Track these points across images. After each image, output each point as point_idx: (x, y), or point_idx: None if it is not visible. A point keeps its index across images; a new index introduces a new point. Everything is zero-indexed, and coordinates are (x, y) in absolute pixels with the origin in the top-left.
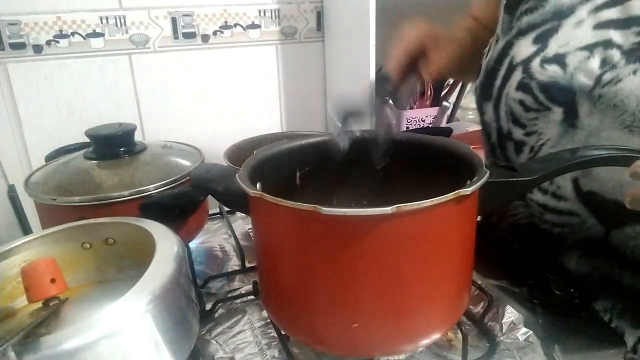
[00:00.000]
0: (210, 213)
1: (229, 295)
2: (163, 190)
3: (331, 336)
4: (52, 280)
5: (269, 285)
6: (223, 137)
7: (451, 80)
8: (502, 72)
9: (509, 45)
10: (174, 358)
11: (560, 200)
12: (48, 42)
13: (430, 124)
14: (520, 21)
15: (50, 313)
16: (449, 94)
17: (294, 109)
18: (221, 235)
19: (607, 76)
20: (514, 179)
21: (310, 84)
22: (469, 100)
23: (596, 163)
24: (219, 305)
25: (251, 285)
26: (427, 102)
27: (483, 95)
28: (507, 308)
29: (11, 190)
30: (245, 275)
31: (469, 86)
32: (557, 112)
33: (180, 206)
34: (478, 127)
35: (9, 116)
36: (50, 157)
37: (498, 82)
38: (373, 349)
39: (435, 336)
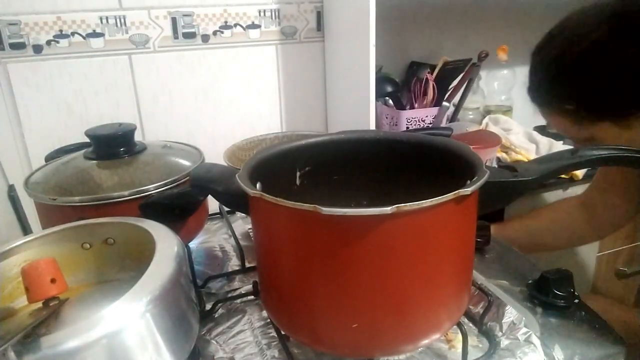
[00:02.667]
0: (210, 213)
1: (229, 295)
2: (163, 190)
3: (331, 336)
4: (52, 280)
5: (269, 285)
6: (223, 137)
7: (455, 82)
8: None
9: None
10: (174, 358)
11: None
12: (48, 42)
13: (430, 124)
14: None
15: (50, 313)
16: (452, 95)
17: (294, 109)
18: (221, 235)
19: None
20: (514, 179)
21: (310, 84)
22: (469, 101)
23: (596, 163)
24: (219, 305)
25: (251, 285)
26: (430, 103)
27: None
28: (507, 308)
29: (11, 190)
30: (245, 275)
31: (472, 87)
32: None
33: (180, 206)
34: (478, 127)
35: (9, 116)
36: (50, 157)
37: None
38: (373, 349)
39: (435, 336)
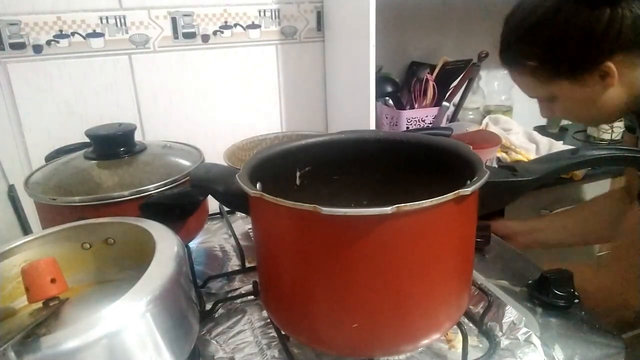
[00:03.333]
0: (210, 213)
1: (229, 295)
2: (163, 190)
3: (331, 336)
4: (52, 280)
5: (269, 285)
6: (223, 137)
7: (456, 82)
8: None
9: None
10: (174, 358)
11: None
12: (48, 42)
13: (430, 124)
14: None
15: (51, 313)
16: (452, 95)
17: (294, 109)
18: (221, 235)
19: None
20: (514, 179)
21: (310, 84)
22: (469, 101)
23: (596, 163)
24: (219, 305)
25: (251, 285)
26: (430, 103)
27: None
28: (507, 308)
29: (11, 190)
30: (245, 275)
31: (472, 87)
32: None
33: (180, 206)
34: (478, 127)
35: (9, 116)
36: (50, 157)
37: None
38: (373, 349)
39: (435, 336)
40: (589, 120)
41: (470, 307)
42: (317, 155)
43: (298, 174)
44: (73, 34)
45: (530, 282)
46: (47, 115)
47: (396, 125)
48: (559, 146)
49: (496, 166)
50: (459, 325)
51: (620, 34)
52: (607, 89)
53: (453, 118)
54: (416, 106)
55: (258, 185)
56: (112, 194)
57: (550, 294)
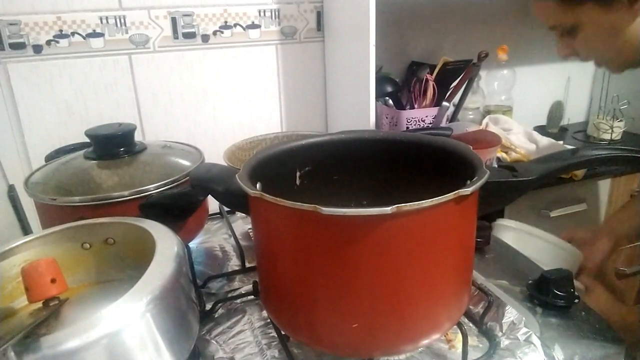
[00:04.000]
0: (210, 213)
1: (229, 295)
2: (163, 190)
3: (331, 336)
4: (53, 280)
5: (269, 285)
6: (223, 137)
7: (455, 82)
8: None
9: None
10: (174, 358)
11: None
12: (48, 42)
13: (430, 124)
14: None
15: (51, 313)
16: (452, 95)
17: (294, 109)
18: (221, 235)
19: None
20: (514, 179)
21: (310, 84)
22: (469, 101)
23: (596, 163)
24: (219, 305)
25: (251, 285)
26: (430, 103)
27: None
28: (507, 308)
29: (11, 190)
30: (245, 275)
31: (472, 87)
32: None
33: (180, 206)
34: (478, 127)
35: (9, 116)
36: (50, 157)
37: None
38: (373, 349)
39: (435, 336)
40: (612, 56)
41: (470, 307)
42: (317, 155)
43: (298, 174)
44: (73, 34)
45: (530, 282)
46: (47, 115)
47: (396, 125)
48: (559, 146)
49: (496, 166)
50: (459, 325)
51: None
52: (635, 17)
53: (453, 118)
54: (416, 106)
55: (258, 185)
56: (112, 194)
57: (550, 294)
